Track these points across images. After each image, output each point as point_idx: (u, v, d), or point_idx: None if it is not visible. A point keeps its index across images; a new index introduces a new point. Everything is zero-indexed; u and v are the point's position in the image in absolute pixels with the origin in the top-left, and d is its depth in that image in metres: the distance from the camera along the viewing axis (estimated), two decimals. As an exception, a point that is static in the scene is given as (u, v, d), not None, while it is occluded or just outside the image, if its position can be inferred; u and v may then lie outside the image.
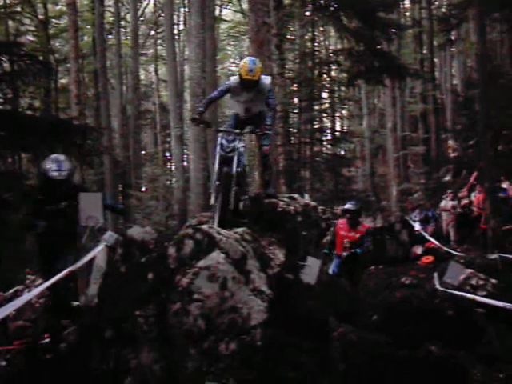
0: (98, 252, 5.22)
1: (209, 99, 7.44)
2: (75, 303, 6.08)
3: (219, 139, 6.85)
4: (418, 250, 15.45)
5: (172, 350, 4.46)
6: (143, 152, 35.63)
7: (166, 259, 5.06)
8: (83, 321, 5.28)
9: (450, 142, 25.66)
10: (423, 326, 6.37)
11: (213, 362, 4.32)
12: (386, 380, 5.24)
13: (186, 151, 21.52)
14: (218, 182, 6.56)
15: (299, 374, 4.46)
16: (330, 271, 9.04)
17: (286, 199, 7.76)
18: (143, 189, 27.73)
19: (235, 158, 6.76)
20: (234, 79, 7.12)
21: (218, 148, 6.81)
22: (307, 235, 7.52)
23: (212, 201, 6.52)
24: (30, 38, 27.62)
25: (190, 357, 4.34)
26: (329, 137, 26.14)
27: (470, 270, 9.08)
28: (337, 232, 9.27)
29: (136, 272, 5.15)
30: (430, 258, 14.02)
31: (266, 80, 7.12)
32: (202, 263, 4.81)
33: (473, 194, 16.36)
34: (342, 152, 28.92)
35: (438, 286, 8.03)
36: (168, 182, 26.80)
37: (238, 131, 6.90)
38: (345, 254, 9.05)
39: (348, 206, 9.42)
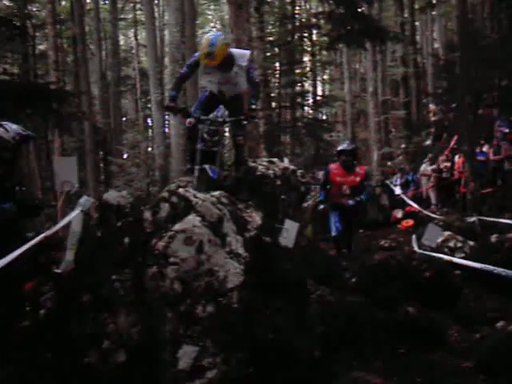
0: (74, 217, 5.16)
1: (178, 79, 6.57)
2: (57, 270, 6.03)
3: (200, 130, 6.28)
4: (399, 213, 15.58)
5: (149, 313, 4.45)
6: (124, 118, 35.32)
7: (141, 223, 5.03)
8: (60, 286, 5.24)
9: (431, 106, 25.65)
10: (401, 288, 6.44)
11: (190, 325, 4.31)
12: (364, 341, 5.30)
13: (166, 117, 21.30)
14: (197, 178, 6.22)
15: (277, 336, 4.48)
16: (333, 229, 8.16)
17: (264, 163, 7.74)
18: (124, 155, 27.51)
19: (218, 156, 6.57)
20: (199, 52, 6.27)
21: (199, 141, 6.27)
22: (286, 199, 7.52)
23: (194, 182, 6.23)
24: (6, 2, 27.00)
25: (166, 320, 4.33)
26: (310, 101, 26.04)
27: (448, 233, 9.15)
28: (331, 179, 8.31)
29: (112, 236, 5.12)
30: (410, 222, 14.15)
31: (243, 58, 6.21)
32: (177, 226, 4.76)
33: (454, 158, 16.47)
34: (324, 117, 28.89)
35: (415, 248, 8.10)
36: (149, 149, 26.64)
37: (221, 120, 6.42)
38: (350, 202, 8.08)
39: (342, 146, 8.51)
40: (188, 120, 6.34)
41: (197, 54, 6.31)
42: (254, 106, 6.43)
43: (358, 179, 8.18)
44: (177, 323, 4.32)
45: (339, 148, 8.53)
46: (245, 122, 6.46)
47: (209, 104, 6.51)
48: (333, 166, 8.42)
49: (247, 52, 6.46)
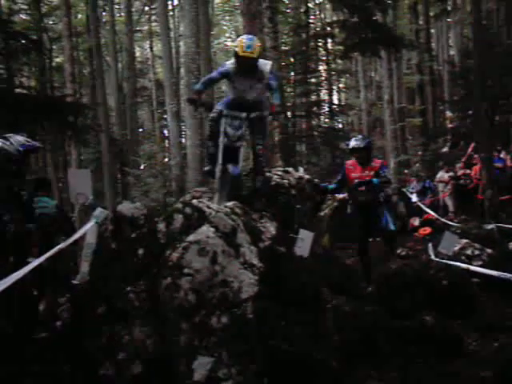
0: (89, 229, 5.20)
1: (208, 79, 6.89)
2: (74, 282, 6.08)
3: (223, 124, 6.42)
4: (416, 221, 15.48)
5: (164, 324, 4.46)
6: (140, 130, 35.53)
7: (155, 234, 5.05)
8: (76, 298, 5.27)
9: (448, 113, 25.53)
10: (417, 297, 6.38)
11: (204, 335, 4.31)
12: (381, 351, 5.26)
13: (182, 127, 21.38)
14: (220, 180, 6.34)
15: (292, 347, 4.46)
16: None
17: (279, 173, 7.73)
18: (141, 166, 27.62)
19: (241, 151, 6.51)
20: (230, 64, 6.57)
21: (221, 135, 6.40)
22: (301, 208, 7.49)
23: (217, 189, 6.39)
24: (23, 16, 27.32)
25: (181, 331, 4.33)
26: (326, 110, 26.02)
27: (465, 240, 9.06)
28: (347, 175, 8.06)
29: (126, 248, 5.14)
30: (428, 230, 14.05)
31: (266, 66, 6.56)
32: (191, 237, 4.78)
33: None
34: (339, 126, 28.85)
35: (432, 257, 8.02)
36: (165, 159, 26.72)
37: (244, 115, 6.45)
38: (356, 181, 7.87)
39: (354, 143, 8.10)
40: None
41: (228, 65, 6.59)
42: (277, 102, 6.67)
43: (372, 173, 7.89)
44: (191, 334, 4.33)
45: (351, 145, 8.19)
46: (270, 117, 6.94)
47: (232, 104, 6.67)
48: (348, 163, 8.19)
49: (269, 62, 6.80)
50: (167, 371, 4.21)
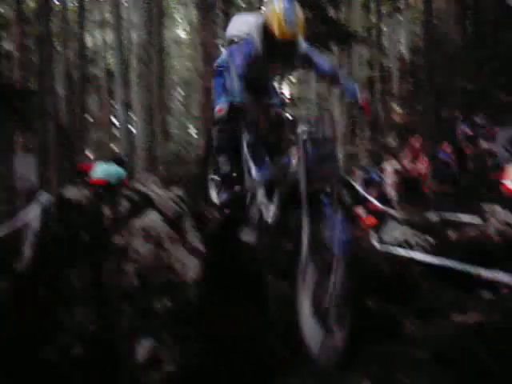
0: (32, 213, 5.14)
1: (238, 83, 4.19)
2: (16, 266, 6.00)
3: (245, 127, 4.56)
4: (361, 211, 15.69)
5: (107, 309, 4.45)
6: (89, 118, 35.00)
7: (100, 219, 5.04)
8: (18, 283, 5.21)
9: (396, 108, 25.99)
10: (359, 283, 6.51)
11: (147, 319, 4.33)
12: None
13: (132, 116, 21.22)
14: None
15: (235, 330, 4.52)
16: None
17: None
18: (89, 154, 27.28)
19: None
20: (250, 38, 4.33)
21: (246, 145, 4.59)
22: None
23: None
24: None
25: (124, 314, 4.34)
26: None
27: (407, 229, 9.26)
28: None
29: (70, 232, 5.11)
30: (372, 220, 14.27)
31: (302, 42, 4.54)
32: (136, 222, 4.79)
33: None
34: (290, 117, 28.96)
35: (376, 244, 8.19)
36: (114, 147, 26.45)
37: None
38: None
39: None
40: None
41: (249, 39, 4.40)
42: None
43: None
44: (134, 317, 4.34)
45: None
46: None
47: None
48: None
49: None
50: (109, 354, 4.21)
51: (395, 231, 7.60)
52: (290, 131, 3.96)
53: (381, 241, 7.78)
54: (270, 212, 4.30)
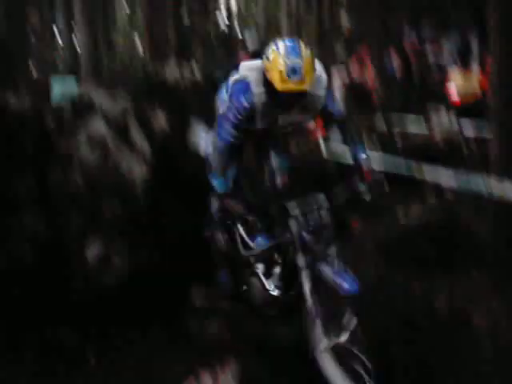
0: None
1: (219, 159, 3.88)
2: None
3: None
4: (311, 124, 15.76)
5: (55, 214, 4.46)
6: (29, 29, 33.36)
7: (45, 126, 4.94)
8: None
9: (343, 16, 25.76)
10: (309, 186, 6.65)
11: (96, 220, 4.39)
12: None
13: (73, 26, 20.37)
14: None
15: (183, 232, 4.64)
16: None
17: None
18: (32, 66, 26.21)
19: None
20: (255, 86, 3.64)
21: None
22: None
23: None
24: None
25: (73, 219, 4.38)
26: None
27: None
28: None
29: (14, 141, 5.00)
30: (322, 131, 14.40)
31: (322, 80, 3.76)
32: (84, 130, 4.75)
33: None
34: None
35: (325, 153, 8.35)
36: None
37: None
38: None
39: None
40: None
41: (249, 81, 3.70)
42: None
43: None
44: (84, 223, 4.38)
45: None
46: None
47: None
48: None
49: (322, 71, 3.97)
50: (59, 257, 4.27)
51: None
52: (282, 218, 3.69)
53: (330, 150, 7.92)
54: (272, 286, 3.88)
